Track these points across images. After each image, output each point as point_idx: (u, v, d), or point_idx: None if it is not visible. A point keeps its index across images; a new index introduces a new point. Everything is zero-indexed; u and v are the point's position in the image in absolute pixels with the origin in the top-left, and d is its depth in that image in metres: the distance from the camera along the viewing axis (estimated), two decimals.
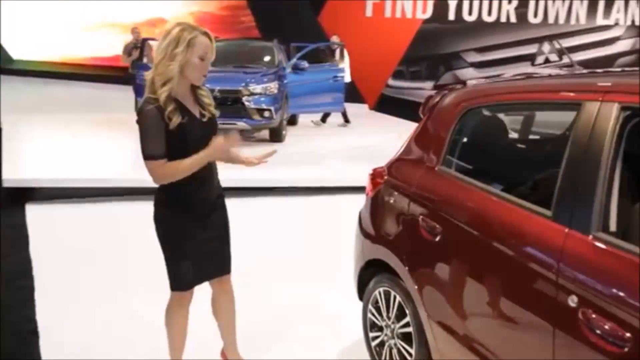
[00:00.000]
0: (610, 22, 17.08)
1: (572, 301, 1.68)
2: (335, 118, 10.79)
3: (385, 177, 2.82)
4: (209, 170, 2.53)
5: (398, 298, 2.68)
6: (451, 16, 15.97)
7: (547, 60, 16.83)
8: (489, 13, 16.25)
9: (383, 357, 2.82)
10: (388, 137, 10.06)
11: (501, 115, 2.45)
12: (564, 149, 1.86)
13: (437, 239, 2.32)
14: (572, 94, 1.88)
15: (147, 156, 2.35)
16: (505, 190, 2.11)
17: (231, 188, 5.47)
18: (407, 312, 2.61)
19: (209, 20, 16.29)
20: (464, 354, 2.21)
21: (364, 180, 6.96)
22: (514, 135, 2.53)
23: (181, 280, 2.58)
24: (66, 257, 4.47)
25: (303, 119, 10.90)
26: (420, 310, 2.47)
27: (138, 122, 2.37)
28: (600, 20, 17.00)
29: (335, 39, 10.96)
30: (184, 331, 2.72)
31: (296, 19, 14.10)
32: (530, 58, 16.67)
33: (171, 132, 2.35)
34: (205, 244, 2.58)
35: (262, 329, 3.38)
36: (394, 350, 2.73)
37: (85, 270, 4.23)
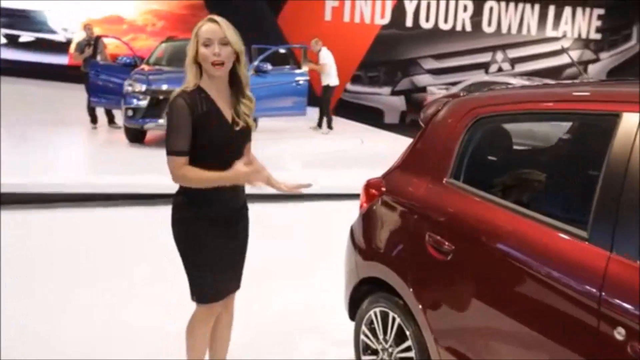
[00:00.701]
0: (559, 34, 17.64)
1: (619, 334, 1.53)
2: (301, 122, 10.56)
3: (383, 189, 2.63)
4: None
5: (398, 320, 2.49)
6: (409, 23, 16.09)
7: (500, 69, 17.22)
8: (445, 21, 16.46)
9: None
10: (352, 142, 9.98)
11: (518, 125, 2.31)
12: (599, 163, 1.71)
13: (449, 257, 2.14)
14: (608, 104, 1.75)
15: (169, 151, 2.25)
16: (529, 207, 1.95)
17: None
18: (409, 335, 2.42)
19: (168, 18, 15.79)
20: None
21: (332, 187, 6.79)
22: (527, 145, 2.38)
23: (203, 291, 2.42)
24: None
25: (263, 122, 10.63)
26: (426, 334, 2.29)
27: (167, 114, 2.29)
28: (549, 32, 17.53)
29: (315, 43, 10.71)
30: (205, 346, 2.58)
31: (255, 20, 13.82)
32: (484, 66, 17.01)
33: (196, 127, 2.23)
34: (229, 255, 2.45)
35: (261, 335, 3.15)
36: None
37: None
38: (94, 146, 9.23)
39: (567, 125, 2.03)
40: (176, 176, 2.26)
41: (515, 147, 2.32)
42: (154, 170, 6.80)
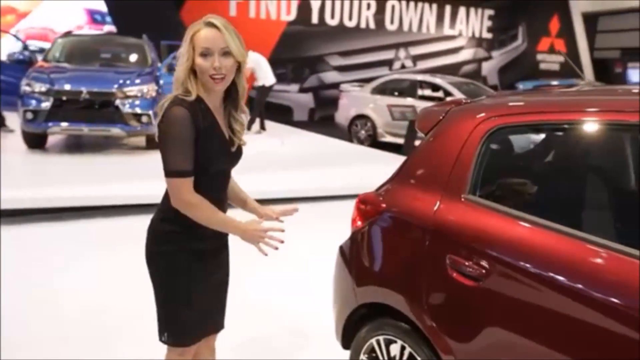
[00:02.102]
0: (455, 32, 18.45)
1: None
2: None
3: (383, 206, 2.41)
4: (225, 200, 2.12)
5: (408, 349, 2.29)
6: (314, 19, 16.03)
7: (403, 66, 17.68)
8: (350, 18, 16.59)
9: None
10: (270, 142, 9.66)
11: (548, 135, 2.18)
12: None
13: (480, 283, 1.97)
14: None
15: (173, 172, 1.90)
16: (572, 226, 1.81)
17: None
18: None
19: None
20: None
21: (256, 193, 6.51)
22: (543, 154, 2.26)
23: (180, 332, 2.08)
24: None
25: None
26: None
27: (161, 126, 1.89)
28: (447, 30, 18.27)
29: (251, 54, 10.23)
30: None
31: (155, 14, 13.05)
32: (388, 63, 17.37)
33: (197, 146, 1.91)
34: (210, 289, 2.13)
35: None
36: None
37: None
38: None
39: (601, 136, 1.92)
40: (182, 201, 1.92)
41: (545, 159, 2.19)
42: (64, 180, 6.17)
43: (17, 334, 3.23)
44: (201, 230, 1.99)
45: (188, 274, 2.04)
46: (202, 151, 1.91)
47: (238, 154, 2.08)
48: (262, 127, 10.51)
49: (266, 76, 10.41)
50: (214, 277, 2.15)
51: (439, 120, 2.37)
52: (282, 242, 1.98)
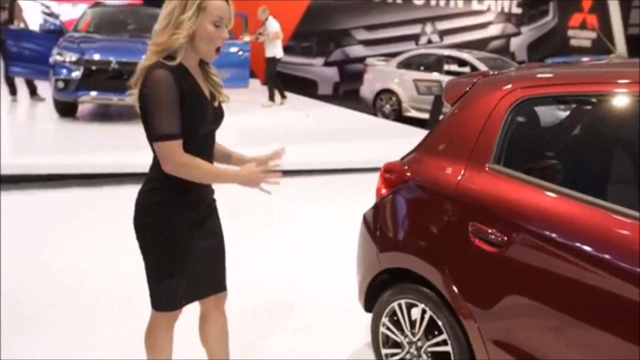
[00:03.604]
0: (484, 7, 18.07)
1: None
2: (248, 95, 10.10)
3: (408, 175, 2.46)
4: (212, 160, 2.12)
5: (429, 312, 2.36)
6: None
7: (429, 41, 17.43)
8: None
9: None
10: (296, 116, 9.71)
11: (574, 107, 2.20)
12: None
13: (502, 250, 2.02)
14: None
15: (162, 135, 1.87)
16: (593, 192, 1.85)
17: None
18: (444, 329, 2.30)
19: None
20: None
21: (290, 163, 6.55)
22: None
23: (173, 298, 2.10)
24: None
25: None
26: (469, 328, 2.17)
27: (144, 91, 1.87)
28: (475, 5, 17.91)
29: (262, 11, 10.21)
30: (170, 353, 2.25)
31: None
32: (414, 38, 17.14)
33: (182, 108, 1.89)
34: (202, 255, 2.12)
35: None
36: None
37: None
38: (17, 121, 8.40)
39: (629, 108, 1.93)
40: (175, 165, 1.90)
41: (571, 130, 2.22)
42: (94, 148, 6.33)
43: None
44: (189, 197, 2.01)
45: (178, 243, 2.04)
46: (189, 113, 1.90)
47: (220, 112, 2.07)
48: (283, 96, 10.48)
49: (279, 48, 10.36)
50: (205, 243, 2.12)
51: (466, 92, 2.40)
52: (281, 175, 1.96)
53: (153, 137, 1.89)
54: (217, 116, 2.05)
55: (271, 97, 10.49)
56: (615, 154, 2.04)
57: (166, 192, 2.00)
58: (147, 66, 1.89)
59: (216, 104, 2.04)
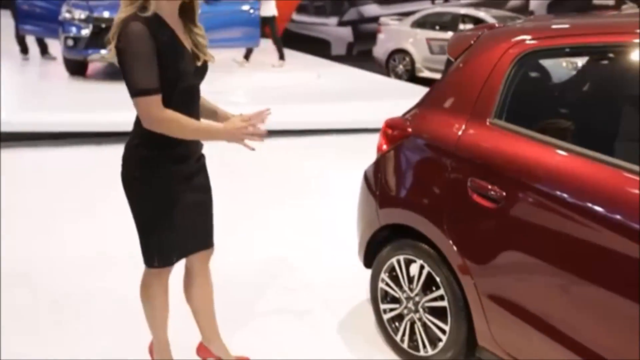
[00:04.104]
0: None
1: None
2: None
3: (409, 130, 2.43)
4: (197, 116, 2.06)
5: (427, 268, 2.36)
6: None
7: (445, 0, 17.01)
8: None
9: (401, 332, 2.52)
10: (308, 76, 9.59)
11: (578, 60, 2.13)
12: None
13: (499, 205, 2.00)
14: None
15: (140, 91, 1.82)
16: (596, 149, 1.81)
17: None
18: (441, 284, 2.31)
19: None
20: (529, 334, 1.96)
21: (288, 124, 6.46)
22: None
23: (163, 254, 2.11)
24: None
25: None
26: (466, 284, 2.17)
27: (120, 46, 1.81)
28: None
29: None
30: (166, 306, 2.27)
31: None
32: None
33: (160, 61, 1.84)
34: (190, 209, 2.10)
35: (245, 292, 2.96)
36: (418, 325, 2.44)
37: None
38: (28, 80, 8.42)
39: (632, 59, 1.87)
40: (154, 120, 1.85)
41: (576, 84, 2.16)
42: (104, 106, 6.33)
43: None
44: (175, 152, 1.98)
45: (165, 197, 2.02)
46: (167, 66, 1.85)
47: (204, 67, 2.01)
48: (281, 57, 10.26)
49: (272, 6, 10.09)
50: (193, 198, 2.10)
51: (470, 45, 2.34)
52: (266, 132, 1.91)
53: (130, 92, 1.84)
54: (200, 70, 1.99)
55: (281, 57, 10.34)
56: (621, 109, 1.98)
57: (151, 147, 1.97)
58: (122, 19, 1.83)
59: (199, 63, 1.97)
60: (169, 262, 2.14)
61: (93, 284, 3.07)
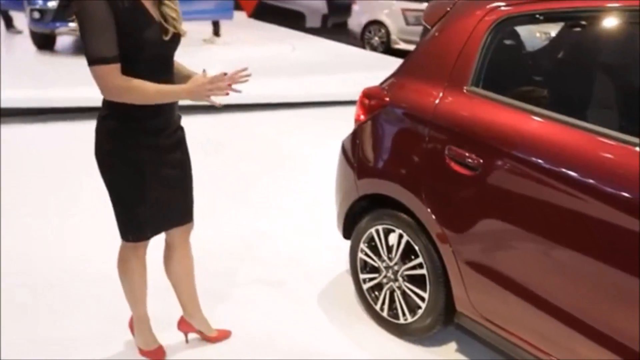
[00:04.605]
0: None
1: None
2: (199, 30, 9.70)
3: (386, 100, 2.41)
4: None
5: (405, 237, 2.37)
6: None
7: None
8: None
9: (380, 301, 2.55)
10: (283, 49, 9.49)
11: (554, 25, 2.13)
12: None
13: (477, 172, 2.01)
14: None
15: (95, 59, 1.77)
16: (572, 115, 1.82)
17: None
18: (420, 252, 2.32)
19: None
20: (506, 299, 1.99)
21: (264, 97, 6.41)
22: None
23: (138, 229, 2.09)
24: None
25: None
26: (444, 252, 2.19)
27: (76, 13, 1.77)
28: None
29: None
30: (144, 280, 2.25)
31: None
32: None
33: (120, 29, 1.78)
34: (165, 184, 2.07)
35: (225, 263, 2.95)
36: (397, 293, 2.47)
37: None
38: None
39: (615, 27, 1.87)
40: (112, 89, 1.81)
41: (551, 48, 2.16)
42: (73, 81, 6.16)
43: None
44: (148, 124, 1.95)
45: (137, 171, 1.99)
46: (127, 35, 1.79)
47: (174, 41, 1.95)
48: (216, 33, 9.68)
49: None
50: (168, 173, 2.07)
51: (446, 12, 2.32)
52: (230, 86, 1.86)
53: (87, 61, 1.78)
54: (171, 40, 1.92)
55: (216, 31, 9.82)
56: (595, 76, 1.99)
57: (119, 118, 1.92)
58: None
59: (168, 36, 1.90)
60: (143, 237, 2.11)
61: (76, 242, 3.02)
